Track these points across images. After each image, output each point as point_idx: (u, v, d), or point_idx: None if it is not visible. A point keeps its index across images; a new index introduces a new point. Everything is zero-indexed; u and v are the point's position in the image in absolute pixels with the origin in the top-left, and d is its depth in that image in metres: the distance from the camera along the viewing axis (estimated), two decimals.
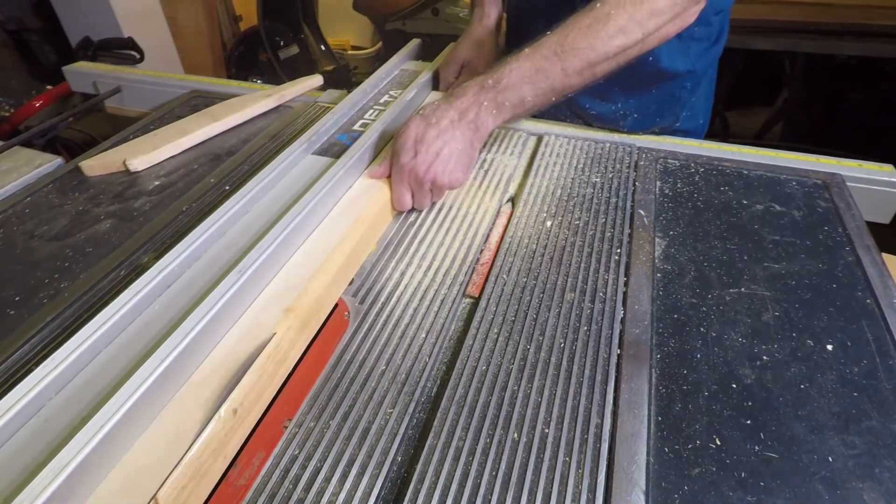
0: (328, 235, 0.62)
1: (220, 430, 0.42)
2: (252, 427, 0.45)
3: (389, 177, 0.70)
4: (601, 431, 0.44)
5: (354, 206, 0.66)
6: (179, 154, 0.83)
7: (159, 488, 0.38)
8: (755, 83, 2.24)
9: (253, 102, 0.93)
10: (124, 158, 0.78)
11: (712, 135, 0.93)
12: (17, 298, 0.58)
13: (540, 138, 0.85)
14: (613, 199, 0.71)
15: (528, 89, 0.66)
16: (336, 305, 0.57)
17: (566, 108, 0.92)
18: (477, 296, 0.58)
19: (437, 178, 0.65)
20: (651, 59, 0.79)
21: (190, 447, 0.40)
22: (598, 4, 0.65)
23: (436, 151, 0.65)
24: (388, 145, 0.76)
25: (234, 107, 0.92)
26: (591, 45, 0.64)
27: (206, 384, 0.45)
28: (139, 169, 0.79)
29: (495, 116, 0.67)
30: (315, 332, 0.53)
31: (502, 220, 0.69)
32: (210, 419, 0.42)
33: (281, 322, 0.50)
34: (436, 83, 0.97)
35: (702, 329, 0.53)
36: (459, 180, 0.67)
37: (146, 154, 0.80)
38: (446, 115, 0.66)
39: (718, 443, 0.44)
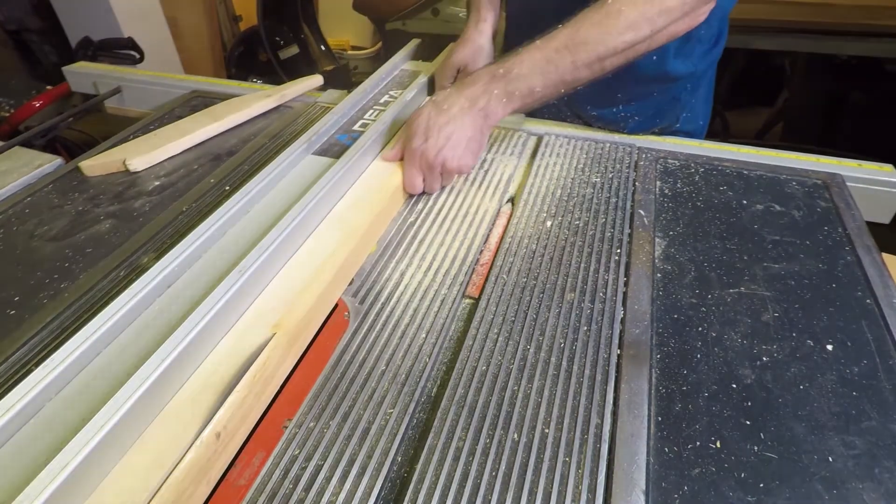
0: (327, 236, 0.62)
1: (203, 454, 0.41)
2: (237, 450, 0.44)
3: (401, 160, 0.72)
4: (601, 431, 0.44)
5: (354, 207, 0.66)
6: (179, 154, 0.83)
7: None
8: (755, 83, 2.24)
9: (253, 102, 0.93)
10: (124, 158, 0.78)
11: (712, 135, 0.93)
12: (16, 299, 0.58)
13: (540, 138, 0.85)
14: (613, 199, 0.71)
15: (538, 80, 0.67)
16: (336, 305, 0.57)
17: (567, 109, 0.92)
18: (476, 296, 0.58)
19: (446, 162, 0.68)
20: (654, 58, 0.79)
21: (170, 474, 0.39)
22: (610, 0, 0.66)
23: (446, 136, 0.67)
24: (401, 129, 0.78)
25: (234, 107, 0.92)
26: (601, 40, 0.65)
27: (198, 401, 0.45)
28: (139, 169, 0.79)
29: (505, 105, 0.69)
30: (305, 346, 0.52)
31: (502, 221, 0.69)
32: (203, 429, 0.42)
33: (268, 340, 0.49)
34: (431, 88, 0.97)
35: (702, 329, 0.53)
36: (469, 165, 0.70)
37: (146, 154, 0.80)
38: (457, 102, 0.68)
39: (718, 443, 0.44)
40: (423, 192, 0.72)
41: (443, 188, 0.73)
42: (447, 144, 0.67)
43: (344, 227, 0.63)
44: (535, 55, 0.67)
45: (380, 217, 0.67)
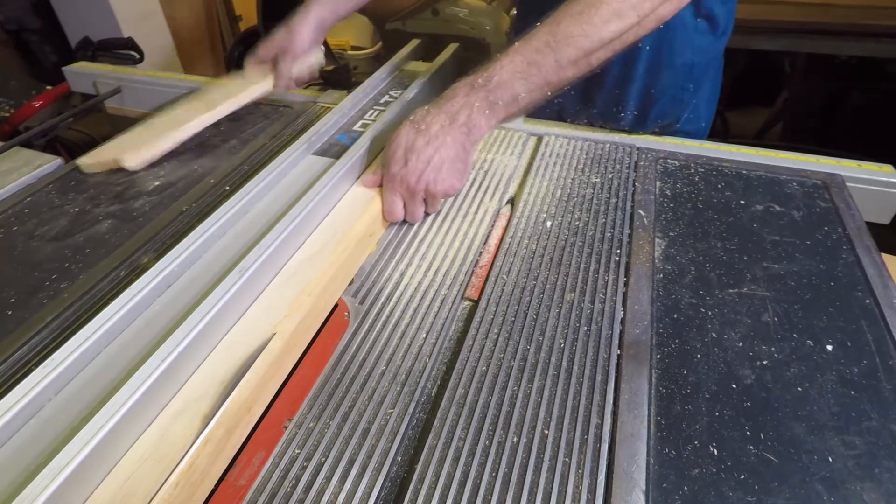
0: (327, 236, 0.62)
1: (202, 454, 0.40)
2: (236, 450, 0.44)
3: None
4: (601, 432, 0.44)
5: (354, 207, 0.66)
6: (179, 154, 0.83)
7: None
8: (755, 83, 2.24)
9: (248, 86, 0.88)
10: (117, 156, 0.77)
11: (712, 135, 0.93)
12: (16, 299, 0.58)
13: (540, 138, 0.85)
14: (613, 200, 0.71)
15: (520, 85, 0.63)
16: (336, 305, 0.57)
17: (570, 106, 0.90)
18: (476, 298, 0.58)
19: (429, 187, 0.63)
20: (654, 51, 0.78)
21: (170, 474, 0.38)
22: None
23: (426, 159, 0.63)
24: (380, 153, 0.74)
25: (226, 91, 0.88)
26: (584, 33, 0.61)
27: (198, 401, 0.45)
28: (133, 166, 0.78)
29: (488, 117, 0.64)
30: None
31: (501, 222, 0.69)
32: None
33: (268, 340, 0.48)
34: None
35: (702, 329, 0.53)
36: (454, 187, 0.65)
37: (140, 150, 0.78)
38: (436, 119, 0.64)
39: (718, 443, 0.44)
40: (405, 222, 0.67)
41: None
42: (428, 168, 0.62)
43: (344, 226, 0.63)
44: (515, 59, 0.63)
45: (380, 217, 0.67)
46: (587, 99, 0.88)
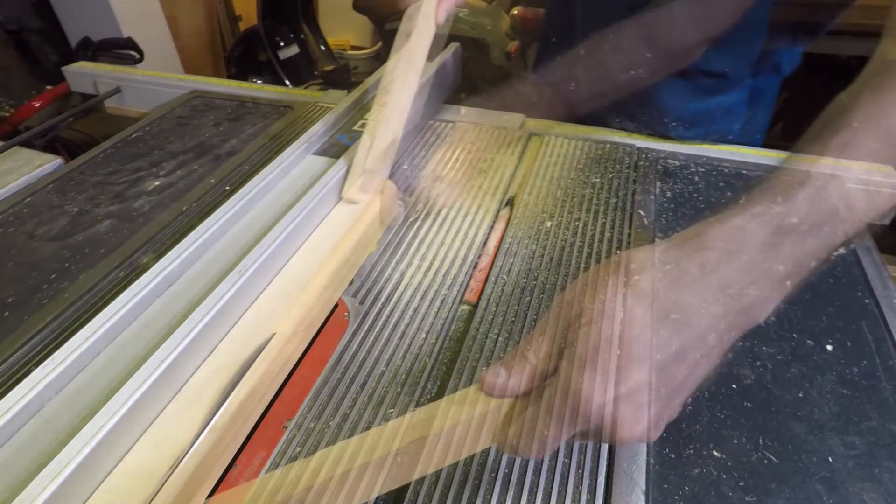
0: (328, 236, 0.62)
1: (203, 455, 0.40)
2: (237, 450, 0.44)
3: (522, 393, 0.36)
4: None
5: (354, 207, 0.66)
6: (178, 152, 0.83)
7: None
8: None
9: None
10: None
11: None
12: (16, 299, 0.58)
13: (540, 138, 0.85)
14: (613, 200, 0.71)
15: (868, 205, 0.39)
16: (336, 306, 0.57)
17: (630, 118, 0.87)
18: (475, 301, 0.58)
19: (621, 423, 0.34)
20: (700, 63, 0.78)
21: (170, 475, 0.39)
22: None
23: (656, 376, 0.35)
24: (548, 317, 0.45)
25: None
26: None
27: (198, 401, 0.45)
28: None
29: (786, 288, 0.36)
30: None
31: (501, 223, 0.69)
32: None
33: (268, 341, 0.48)
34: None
35: None
36: (641, 438, 0.34)
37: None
38: (702, 299, 0.35)
39: (718, 444, 0.44)
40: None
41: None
42: (647, 388, 0.35)
43: (343, 229, 0.63)
44: (859, 150, 0.40)
45: (378, 218, 0.67)
46: (633, 110, 0.86)
